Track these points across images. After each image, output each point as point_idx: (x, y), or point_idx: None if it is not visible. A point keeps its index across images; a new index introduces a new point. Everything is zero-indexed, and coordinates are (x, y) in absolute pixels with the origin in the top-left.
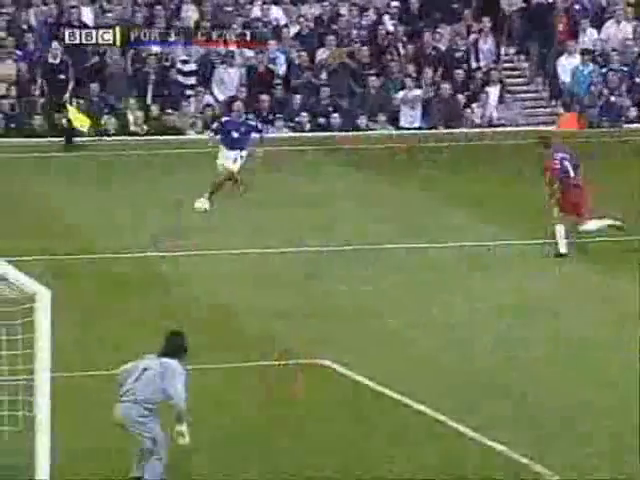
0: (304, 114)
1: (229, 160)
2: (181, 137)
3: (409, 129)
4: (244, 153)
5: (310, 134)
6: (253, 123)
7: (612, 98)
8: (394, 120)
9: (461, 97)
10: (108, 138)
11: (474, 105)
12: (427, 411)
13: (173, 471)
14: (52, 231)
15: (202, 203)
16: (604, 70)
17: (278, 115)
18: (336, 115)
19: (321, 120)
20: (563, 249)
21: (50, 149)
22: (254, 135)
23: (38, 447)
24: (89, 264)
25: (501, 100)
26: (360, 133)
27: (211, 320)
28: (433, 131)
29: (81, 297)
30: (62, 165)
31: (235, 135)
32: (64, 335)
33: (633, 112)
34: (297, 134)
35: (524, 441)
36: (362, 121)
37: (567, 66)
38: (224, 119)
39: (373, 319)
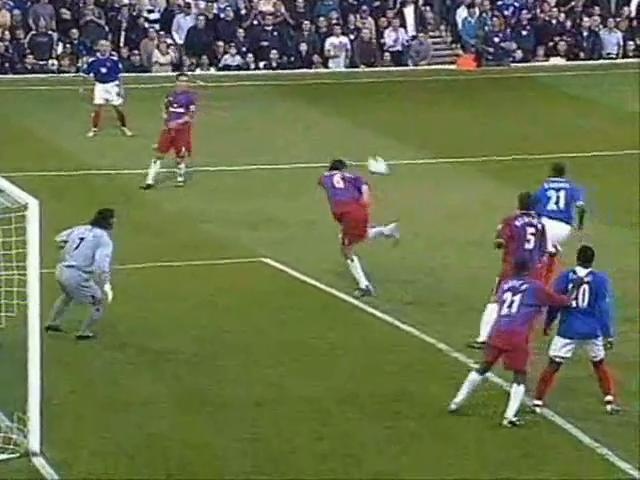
0: (250, 55)
1: (109, 94)
2: (145, 74)
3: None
4: (117, 83)
5: (256, 72)
6: (115, 58)
7: (497, 41)
8: (325, 62)
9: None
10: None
11: (389, 30)
12: (348, 299)
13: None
14: (44, 152)
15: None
16: (488, 16)
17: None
18: (276, 55)
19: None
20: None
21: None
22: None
23: (30, 327)
24: (76, 179)
25: (415, 36)
26: (297, 71)
27: (173, 225)
28: (354, 69)
29: (68, 207)
30: (49, 98)
31: (104, 70)
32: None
33: (519, 53)
34: (244, 72)
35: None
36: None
37: (462, 16)
38: (90, 59)
39: (308, 227)
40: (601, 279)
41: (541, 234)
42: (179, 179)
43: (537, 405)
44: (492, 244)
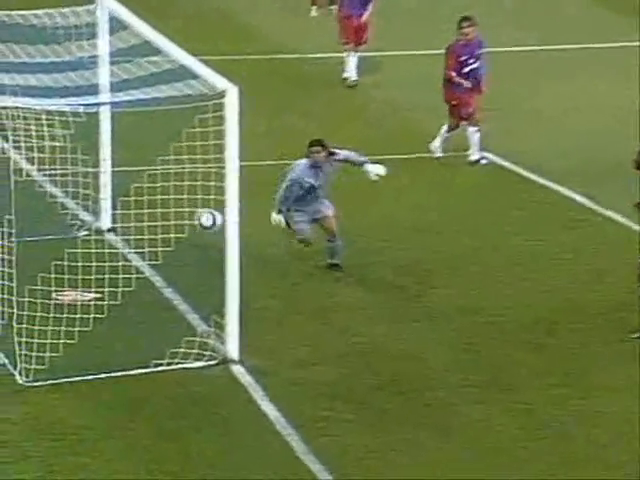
0: None
1: None
2: None
3: None
4: None
5: None
6: None
7: None
8: None
9: None
10: None
11: None
12: (575, 197)
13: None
14: (242, 34)
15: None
16: None
17: None
18: None
19: None
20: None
21: None
22: None
23: (228, 225)
24: (277, 64)
25: None
26: None
27: (380, 115)
28: None
29: (269, 94)
30: None
31: None
32: (253, 127)
33: None
34: None
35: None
36: None
37: None
38: None
39: (532, 117)
40: None
41: None
42: (353, 79)
43: None
44: None
